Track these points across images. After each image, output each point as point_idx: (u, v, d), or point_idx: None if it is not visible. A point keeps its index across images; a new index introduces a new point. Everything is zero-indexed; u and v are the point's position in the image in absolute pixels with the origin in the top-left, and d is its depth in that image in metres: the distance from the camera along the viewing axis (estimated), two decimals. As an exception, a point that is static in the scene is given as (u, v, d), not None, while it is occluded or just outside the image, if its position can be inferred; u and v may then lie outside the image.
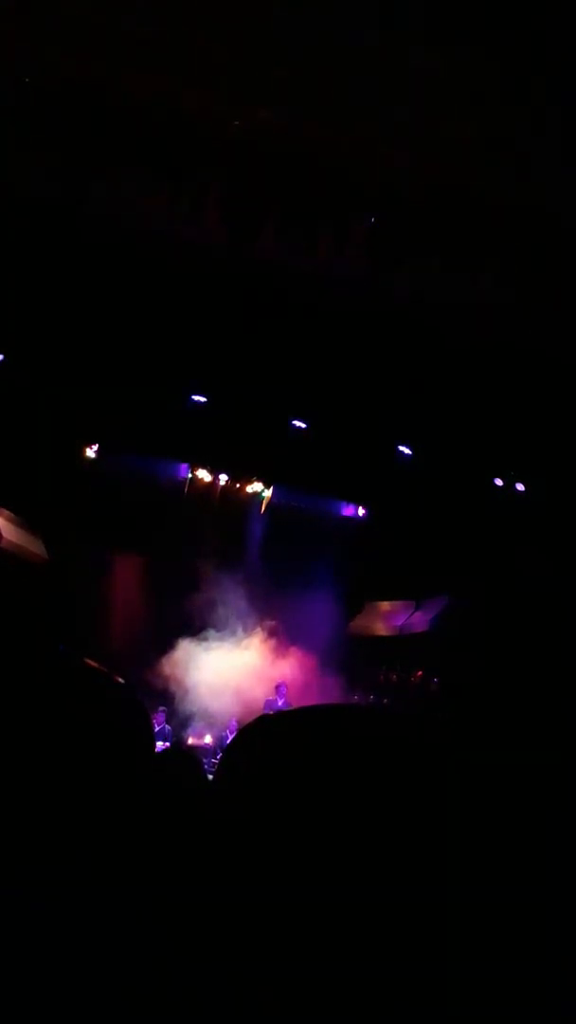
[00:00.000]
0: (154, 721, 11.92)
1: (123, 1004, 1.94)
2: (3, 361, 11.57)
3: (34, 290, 9.46)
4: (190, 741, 13.43)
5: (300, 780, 2.11)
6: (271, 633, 14.75)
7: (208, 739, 13.50)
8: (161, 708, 13.39)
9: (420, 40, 6.44)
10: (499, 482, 12.18)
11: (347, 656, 14.65)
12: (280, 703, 13.51)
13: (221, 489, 15.34)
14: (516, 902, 2.03)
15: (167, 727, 13.37)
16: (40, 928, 1.98)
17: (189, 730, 13.79)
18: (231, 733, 12.61)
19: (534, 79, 6.54)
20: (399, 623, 14.87)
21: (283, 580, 14.56)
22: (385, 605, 15.52)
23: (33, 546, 13.81)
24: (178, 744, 12.89)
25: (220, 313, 9.57)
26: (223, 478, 15.27)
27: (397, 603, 15.13)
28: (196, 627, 14.43)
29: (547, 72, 6.48)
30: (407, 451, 12.85)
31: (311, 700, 13.10)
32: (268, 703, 13.49)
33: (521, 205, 7.53)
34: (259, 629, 14.73)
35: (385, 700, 14.45)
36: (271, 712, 10.05)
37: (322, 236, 8.06)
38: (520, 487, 12.03)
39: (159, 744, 10.11)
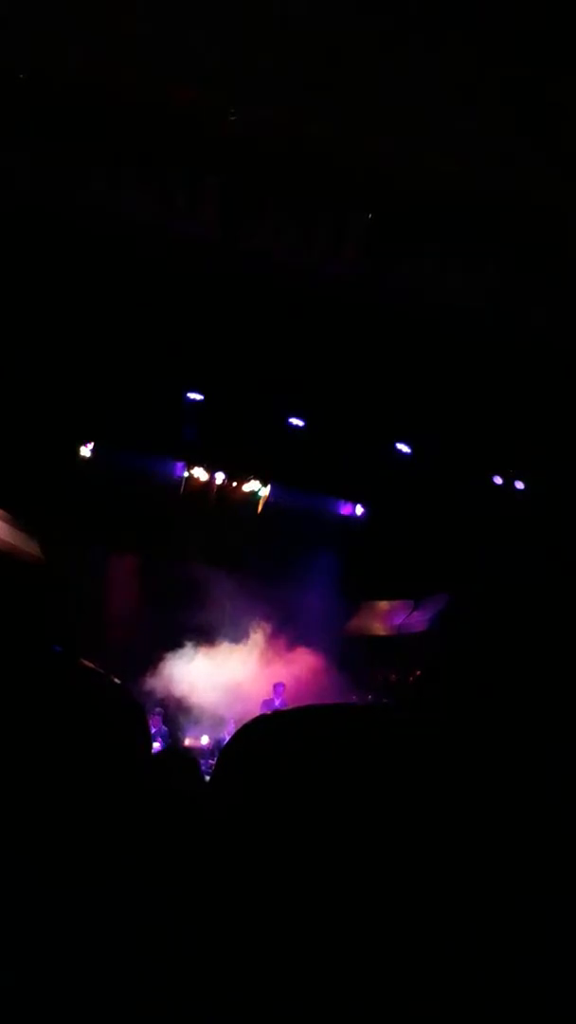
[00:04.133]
0: (151, 722, 11.90)
1: (121, 1006, 1.92)
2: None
3: (28, 288, 9.43)
4: (187, 742, 13.40)
5: (298, 781, 2.09)
6: (268, 633, 14.71)
7: (205, 740, 13.46)
8: (158, 709, 13.36)
9: (419, 34, 6.43)
10: (498, 480, 12.17)
11: (345, 656, 14.62)
12: (277, 703, 13.49)
13: (218, 488, 15.29)
14: (518, 904, 2.00)
15: (164, 728, 13.34)
16: (34, 930, 1.95)
17: (186, 731, 13.76)
18: (228, 734, 12.57)
19: (533, 74, 6.53)
20: (398, 622, 14.84)
21: (280, 579, 14.51)
22: (383, 604, 15.50)
23: (28, 546, 13.77)
24: (175, 745, 12.87)
25: (216, 309, 9.55)
26: (220, 477, 15.22)
27: (396, 602, 15.11)
28: (192, 626, 14.38)
29: (549, 68, 6.47)
30: (406, 449, 12.83)
31: (309, 700, 13.07)
32: (265, 703, 13.47)
33: (521, 199, 7.52)
34: (256, 629, 14.69)
35: (384, 700, 14.43)
36: (268, 712, 10.00)
37: (319, 232, 8.06)
38: (520, 485, 12.01)
39: (156, 745, 10.09)
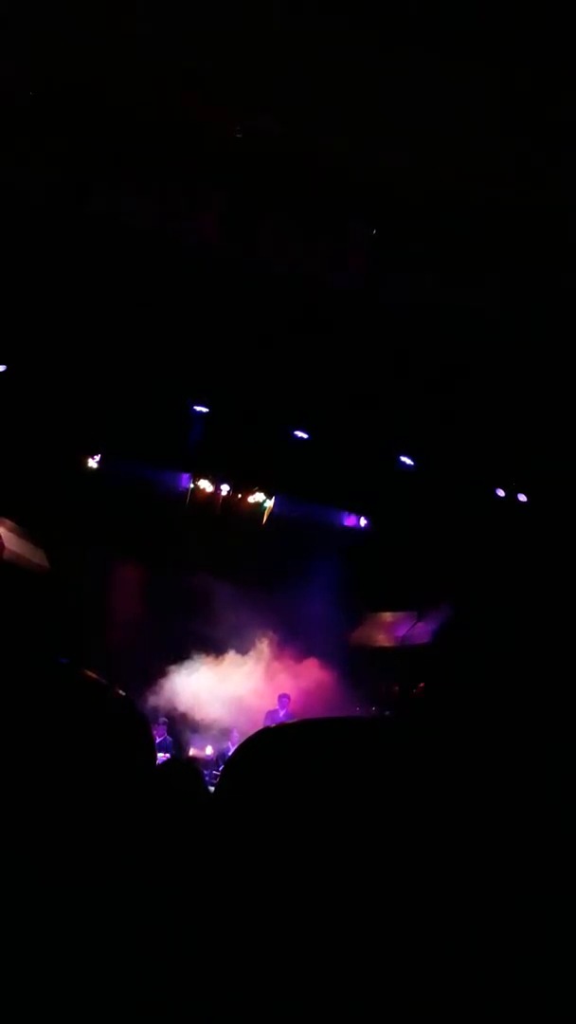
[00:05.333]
0: (155, 733, 11.87)
1: (121, 1005, 1.94)
2: (4, 370, 11.55)
3: (33, 297, 9.45)
4: (191, 753, 13.39)
5: (302, 793, 2.10)
6: (272, 644, 14.70)
7: (209, 751, 13.45)
8: (162, 720, 13.36)
9: (419, 35, 6.43)
10: (501, 492, 12.14)
11: (349, 667, 14.60)
12: (282, 714, 13.46)
13: (223, 499, 15.31)
14: (518, 905, 2.02)
15: (168, 739, 13.33)
16: (36, 930, 1.97)
17: (191, 742, 13.74)
18: (232, 745, 12.54)
19: (535, 77, 6.54)
20: (401, 634, 14.82)
21: (284, 591, 14.52)
22: (387, 616, 15.48)
23: (35, 556, 13.79)
24: (179, 756, 12.84)
25: (220, 318, 9.55)
26: (225, 488, 15.24)
27: (399, 614, 15.09)
28: (197, 637, 14.40)
29: (549, 70, 6.48)
30: (409, 461, 12.82)
31: (313, 712, 13.06)
32: (269, 714, 13.45)
33: (524, 206, 7.52)
34: (260, 640, 14.69)
35: (387, 712, 14.40)
36: (273, 724, 10.00)
37: (321, 235, 8.07)
38: (522, 497, 11.98)
39: (160, 756, 10.06)
